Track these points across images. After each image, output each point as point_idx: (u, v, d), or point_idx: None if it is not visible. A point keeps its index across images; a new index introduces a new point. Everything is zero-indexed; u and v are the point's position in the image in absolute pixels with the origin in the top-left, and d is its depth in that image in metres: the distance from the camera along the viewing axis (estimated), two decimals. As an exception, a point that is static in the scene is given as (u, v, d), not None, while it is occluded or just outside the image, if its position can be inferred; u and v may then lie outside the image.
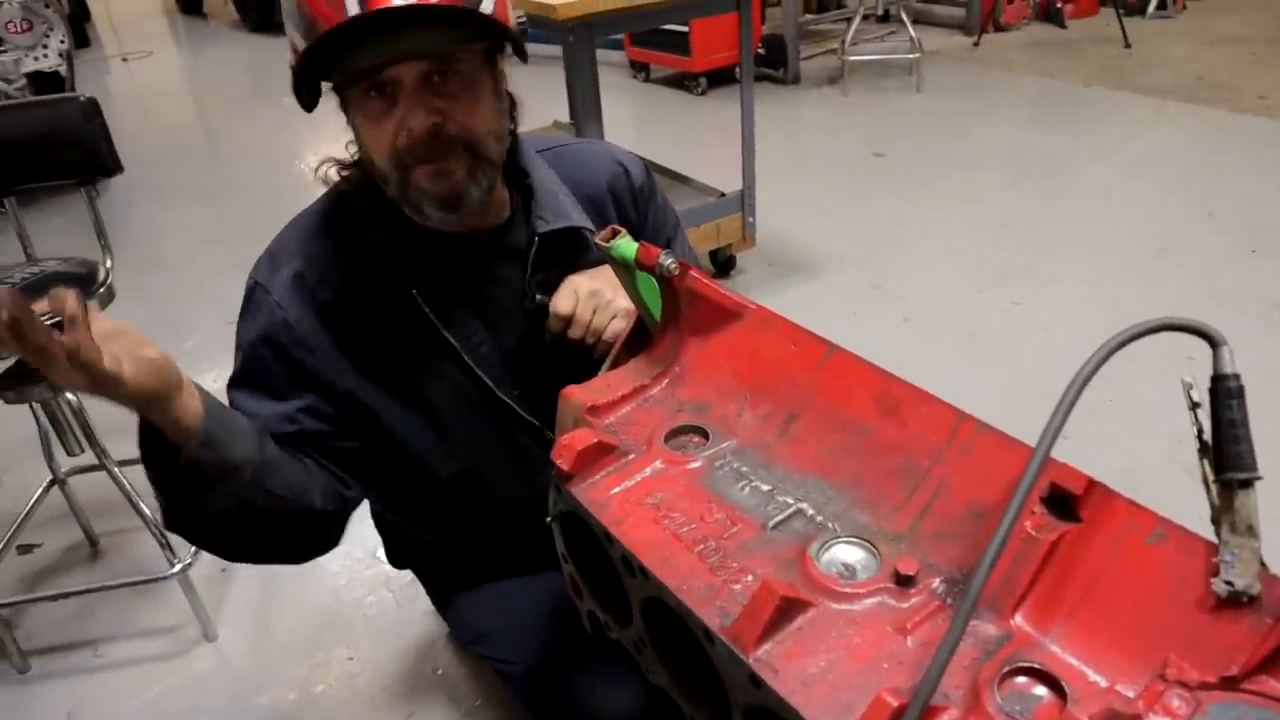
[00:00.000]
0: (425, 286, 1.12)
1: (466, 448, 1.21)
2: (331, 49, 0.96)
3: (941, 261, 3.38)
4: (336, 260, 1.13)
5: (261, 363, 1.12)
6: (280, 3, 1.05)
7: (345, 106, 1.06)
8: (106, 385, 0.83)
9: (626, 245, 0.92)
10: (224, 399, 1.09)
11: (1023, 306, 3.02)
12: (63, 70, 4.45)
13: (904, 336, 2.92)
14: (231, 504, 1.00)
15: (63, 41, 4.40)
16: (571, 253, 1.19)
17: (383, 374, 1.15)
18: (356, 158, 1.14)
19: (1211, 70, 5.20)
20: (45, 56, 4.33)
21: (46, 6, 4.30)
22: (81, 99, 1.91)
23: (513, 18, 1.06)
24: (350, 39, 0.95)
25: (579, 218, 1.19)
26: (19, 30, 4.25)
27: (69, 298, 0.81)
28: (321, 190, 1.20)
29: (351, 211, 1.15)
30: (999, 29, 6.40)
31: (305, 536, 1.13)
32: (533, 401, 1.20)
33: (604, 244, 0.93)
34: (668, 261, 0.88)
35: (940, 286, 3.20)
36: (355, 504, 1.19)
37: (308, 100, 1.04)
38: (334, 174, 1.17)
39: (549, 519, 0.88)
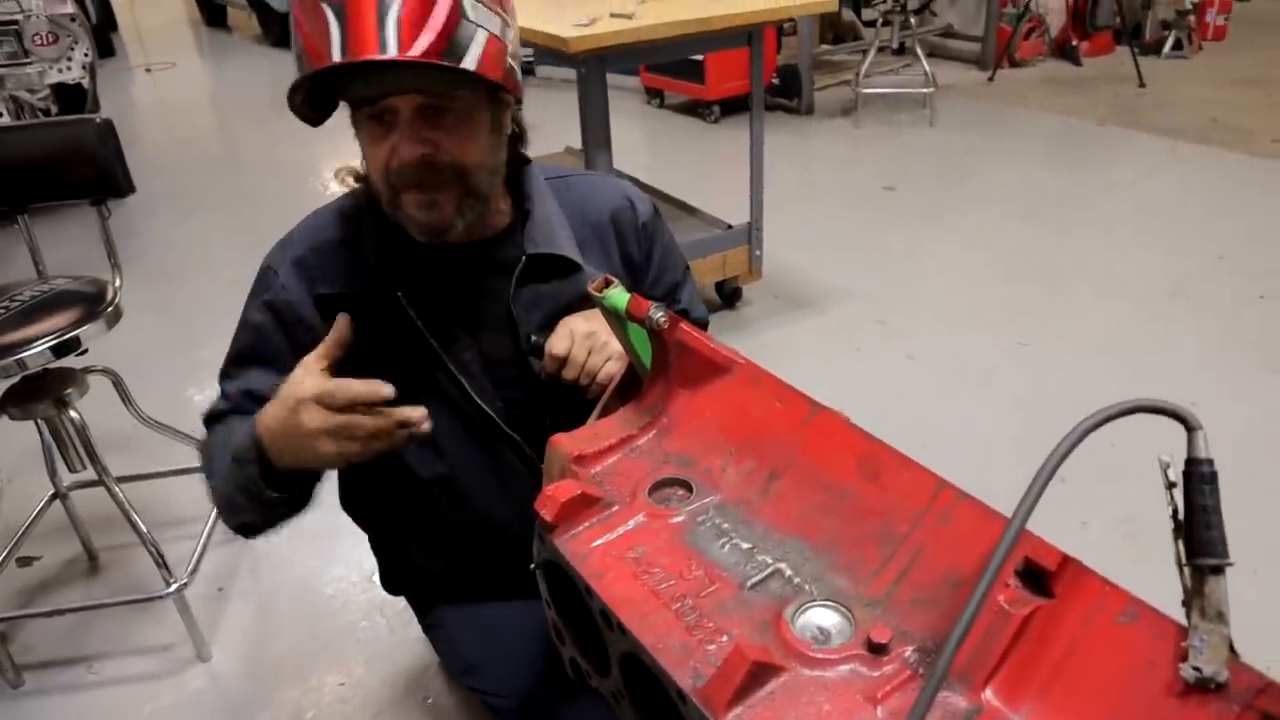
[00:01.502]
0: (412, 290, 1.17)
1: (446, 452, 1.25)
2: (326, 78, 1.01)
3: (949, 298, 3.38)
4: (337, 255, 1.19)
5: (264, 335, 1.19)
6: None
7: (353, 121, 1.11)
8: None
9: (618, 296, 0.93)
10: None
11: (1030, 347, 3.01)
12: (85, 83, 4.52)
13: (908, 374, 2.92)
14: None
15: (87, 55, 4.47)
16: (555, 279, 1.23)
17: (371, 368, 1.17)
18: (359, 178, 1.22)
19: (1225, 112, 5.21)
20: (69, 69, 4.40)
21: (73, 20, 4.37)
22: (98, 120, 1.94)
23: (511, 60, 1.07)
24: (343, 73, 1.00)
25: (569, 248, 1.23)
26: (45, 43, 4.32)
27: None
28: (340, 191, 1.28)
29: (359, 213, 1.21)
30: (1014, 65, 6.42)
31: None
32: (514, 415, 1.22)
33: (596, 293, 0.94)
34: (658, 315, 0.89)
35: (946, 324, 3.20)
36: None
37: (308, 114, 1.08)
38: (350, 180, 1.25)
39: (533, 565, 0.89)
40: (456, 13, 0.99)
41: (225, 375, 1.24)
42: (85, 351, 1.87)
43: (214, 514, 2.23)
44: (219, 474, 1.11)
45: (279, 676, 1.95)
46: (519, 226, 1.24)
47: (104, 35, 8.79)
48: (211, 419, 1.23)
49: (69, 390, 1.91)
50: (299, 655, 1.99)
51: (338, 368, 1.12)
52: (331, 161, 5.15)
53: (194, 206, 4.73)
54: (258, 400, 1.11)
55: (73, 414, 1.91)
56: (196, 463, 2.31)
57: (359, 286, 1.17)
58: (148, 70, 8.23)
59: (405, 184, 1.08)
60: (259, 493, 1.04)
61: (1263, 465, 2.35)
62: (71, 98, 4.52)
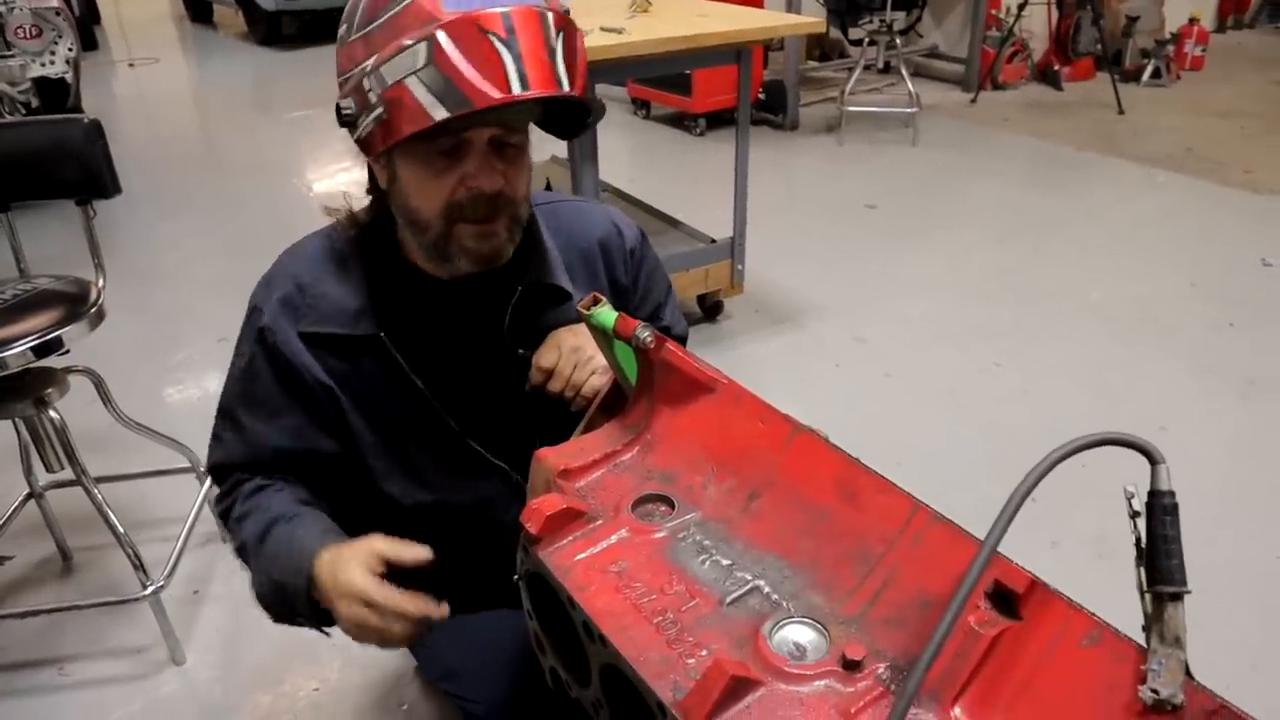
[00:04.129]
0: (399, 329, 1.17)
1: (433, 485, 1.26)
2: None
3: (926, 317, 3.43)
4: (323, 293, 1.18)
5: (256, 378, 1.18)
6: (350, 47, 1.02)
7: (389, 152, 1.06)
8: None
9: (606, 314, 0.95)
10: (208, 411, 1.22)
11: (1004, 367, 3.06)
12: (69, 77, 4.49)
13: (884, 391, 2.96)
14: None
15: (70, 49, 4.45)
16: (547, 307, 1.23)
17: (357, 404, 1.19)
18: (364, 210, 1.20)
19: (1201, 142, 5.31)
20: (52, 63, 4.37)
21: (57, 14, 4.34)
22: (85, 120, 1.94)
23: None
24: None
25: (562, 278, 1.23)
26: (28, 36, 4.30)
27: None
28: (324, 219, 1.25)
29: (347, 249, 1.20)
30: (996, 87, 6.52)
31: None
32: (503, 445, 1.23)
33: (584, 311, 0.96)
34: (644, 334, 0.91)
35: (923, 342, 3.24)
36: None
37: (381, 153, 1.06)
38: (342, 217, 1.21)
39: (516, 577, 0.91)
40: (585, 56, 1.04)
41: (224, 422, 1.24)
42: (67, 352, 1.86)
43: (193, 516, 2.23)
44: (261, 566, 1.14)
45: (253, 681, 1.95)
46: (514, 254, 1.25)
47: (87, 28, 8.72)
48: (220, 470, 1.25)
49: (49, 390, 1.90)
50: (274, 660, 1.99)
51: (331, 409, 1.18)
52: (312, 162, 5.14)
53: (174, 206, 4.70)
54: (264, 448, 1.19)
55: (52, 414, 1.90)
56: (175, 464, 2.35)
57: (346, 326, 1.17)
58: (130, 65, 8.18)
59: (474, 216, 1.08)
60: (299, 616, 1.11)
61: (1228, 490, 2.41)
62: (53, 92, 4.49)
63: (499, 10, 0.94)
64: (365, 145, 1.05)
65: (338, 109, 1.03)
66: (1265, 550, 2.22)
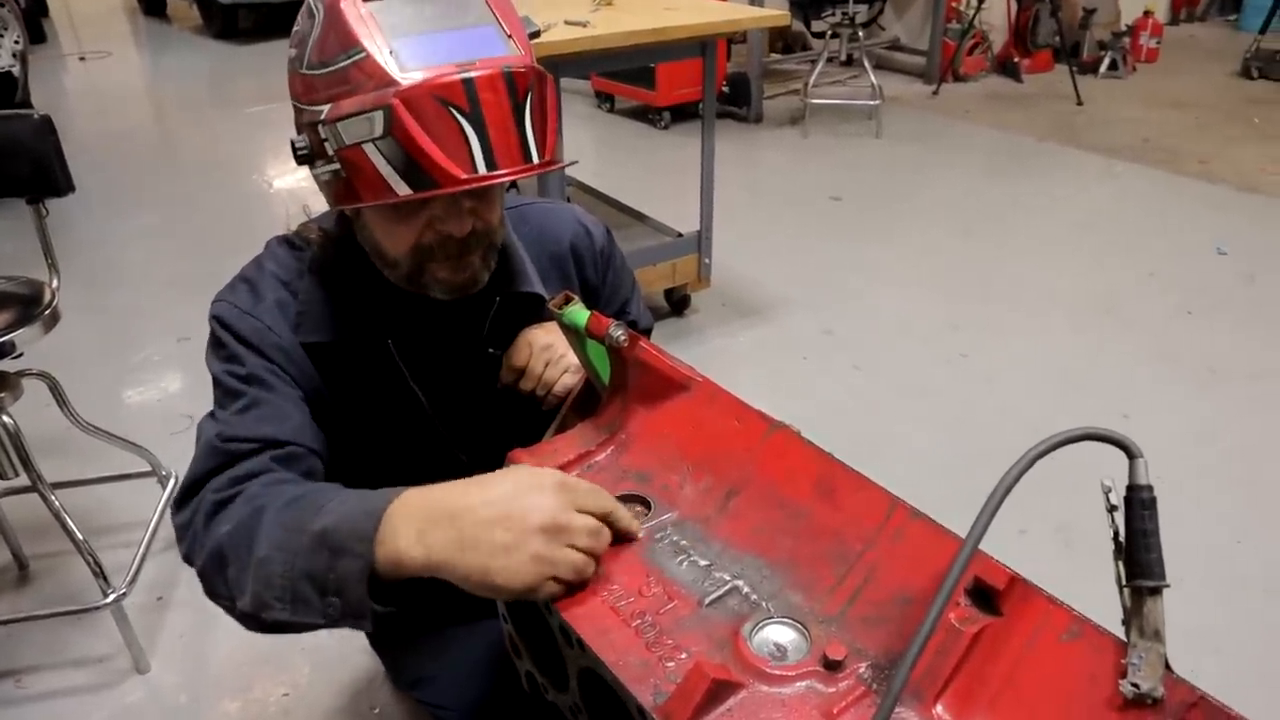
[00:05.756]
0: (399, 338, 1.14)
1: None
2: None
3: (892, 309, 3.45)
4: (315, 297, 1.12)
5: (262, 375, 1.05)
6: (302, 79, 0.95)
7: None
8: None
9: (578, 313, 0.93)
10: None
11: (970, 359, 3.09)
12: (16, 71, 4.37)
13: (853, 384, 2.98)
14: None
15: (17, 42, 4.33)
16: (524, 314, 1.21)
17: (351, 409, 1.16)
18: (331, 221, 1.15)
19: (1157, 132, 5.40)
20: (-1, 56, 4.25)
21: (2, 5, 4.22)
22: (35, 116, 1.88)
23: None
24: None
25: (537, 284, 1.22)
26: (-29, 29, 4.17)
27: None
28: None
29: (318, 259, 1.14)
30: (958, 79, 6.58)
31: None
32: (483, 454, 1.21)
33: (556, 310, 0.95)
34: (617, 333, 0.90)
35: (890, 334, 3.26)
36: None
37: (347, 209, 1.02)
38: (309, 224, 1.17)
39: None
40: (558, 105, 0.99)
41: (224, 427, 1.00)
42: (20, 355, 1.81)
43: (155, 520, 2.18)
44: (273, 553, 0.83)
45: (221, 688, 1.91)
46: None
47: (34, 21, 8.50)
48: (219, 472, 0.97)
49: (1, 395, 1.85)
50: (242, 666, 1.95)
51: (317, 412, 1.07)
52: (272, 158, 5.06)
53: (131, 204, 4.60)
54: (278, 446, 0.99)
55: (5, 419, 1.85)
56: (136, 468, 2.30)
57: (343, 335, 1.11)
58: (81, 59, 7.99)
59: (444, 256, 1.03)
60: (347, 593, 0.79)
61: (1188, 476, 2.45)
62: (1, 87, 4.36)
63: (460, 77, 0.88)
64: (328, 192, 1.00)
65: (292, 144, 0.97)
66: (1226, 535, 2.26)
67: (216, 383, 1.05)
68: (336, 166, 0.93)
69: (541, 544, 0.75)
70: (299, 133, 0.98)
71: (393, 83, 0.87)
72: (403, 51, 0.88)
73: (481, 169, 0.89)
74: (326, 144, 0.93)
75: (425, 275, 1.05)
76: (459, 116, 0.88)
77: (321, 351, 1.12)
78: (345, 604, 0.79)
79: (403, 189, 0.90)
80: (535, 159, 0.93)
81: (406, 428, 1.18)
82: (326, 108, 0.92)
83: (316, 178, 0.99)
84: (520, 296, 1.19)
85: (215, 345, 1.08)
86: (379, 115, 0.87)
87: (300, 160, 0.98)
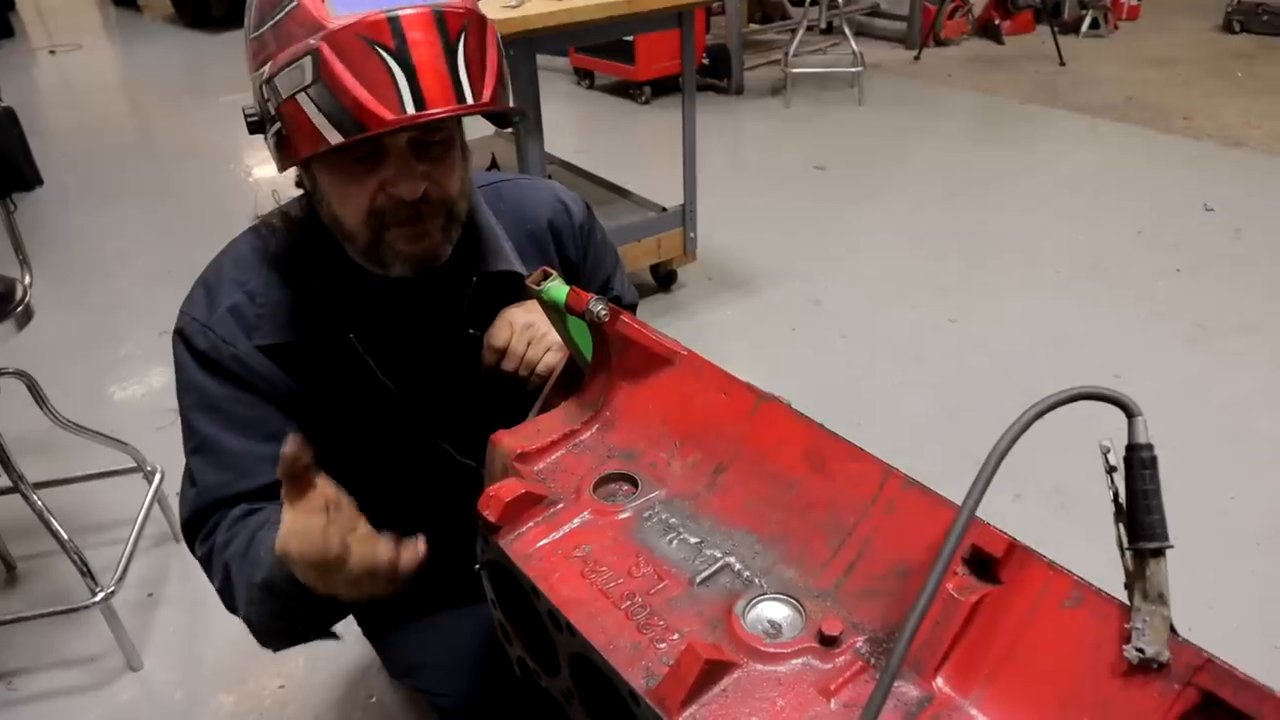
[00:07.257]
0: (363, 330, 1.10)
1: (398, 486, 1.20)
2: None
3: (879, 277, 3.43)
4: (273, 296, 1.09)
5: (221, 402, 1.07)
6: (250, 45, 0.95)
7: (314, 159, 0.99)
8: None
9: (557, 289, 0.91)
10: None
11: (959, 324, 3.07)
12: (-17, 66, 4.30)
13: (842, 352, 2.96)
14: None
15: (-16, 36, 4.25)
16: (506, 294, 1.18)
17: (321, 406, 1.13)
18: (295, 204, 1.11)
19: (1140, 91, 5.36)
20: (-36, 52, 4.17)
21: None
22: (-3, 109, 1.83)
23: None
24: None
25: (515, 262, 1.18)
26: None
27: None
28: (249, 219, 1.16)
29: (282, 247, 1.12)
30: (939, 43, 6.52)
31: None
32: (467, 442, 1.18)
33: (534, 286, 0.92)
34: (598, 308, 0.87)
35: (878, 302, 3.24)
36: None
37: (299, 166, 0.99)
38: (273, 211, 1.13)
39: (477, 566, 0.87)
40: (500, 52, 0.95)
41: (195, 462, 1.08)
42: (-7, 354, 1.78)
43: (142, 516, 2.14)
44: (247, 575, 0.97)
45: (215, 682, 1.90)
46: (461, 244, 1.20)
47: (1, 15, 8.36)
48: (199, 517, 1.07)
49: (-24, 395, 1.82)
50: (235, 659, 1.93)
51: (294, 420, 1.08)
52: (249, 147, 4.99)
53: (107, 197, 4.53)
54: (249, 464, 1.04)
55: (-17, 419, 1.82)
56: (121, 464, 2.26)
57: (304, 333, 1.08)
58: (51, 52, 7.85)
59: (395, 222, 1.00)
60: (297, 619, 0.97)
61: (1179, 433, 2.44)
62: (-33, 83, 4.29)
63: (386, 15, 0.86)
64: (275, 155, 0.98)
65: (244, 113, 0.96)
66: (1218, 491, 2.26)
67: (181, 418, 1.08)
68: (279, 125, 0.92)
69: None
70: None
71: (322, 27, 0.86)
72: None
73: (410, 109, 0.87)
74: (269, 104, 0.92)
75: (383, 247, 1.02)
76: (386, 56, 0.86)
77: (283, 352, 1.08)
78: (315, 626, 0.98)
79: (334, 136, 0.88)
80: (470, 100, 0.90)
81: (381, 421, 1.15)
82: (267, 67, 0.91)
83: (268, 145, 0.97)
84: (498, 275, 1.16)
85: (177, 371, 1.09)
86: (308, 61, 0.86)
87: (252, 128, 0.97)
